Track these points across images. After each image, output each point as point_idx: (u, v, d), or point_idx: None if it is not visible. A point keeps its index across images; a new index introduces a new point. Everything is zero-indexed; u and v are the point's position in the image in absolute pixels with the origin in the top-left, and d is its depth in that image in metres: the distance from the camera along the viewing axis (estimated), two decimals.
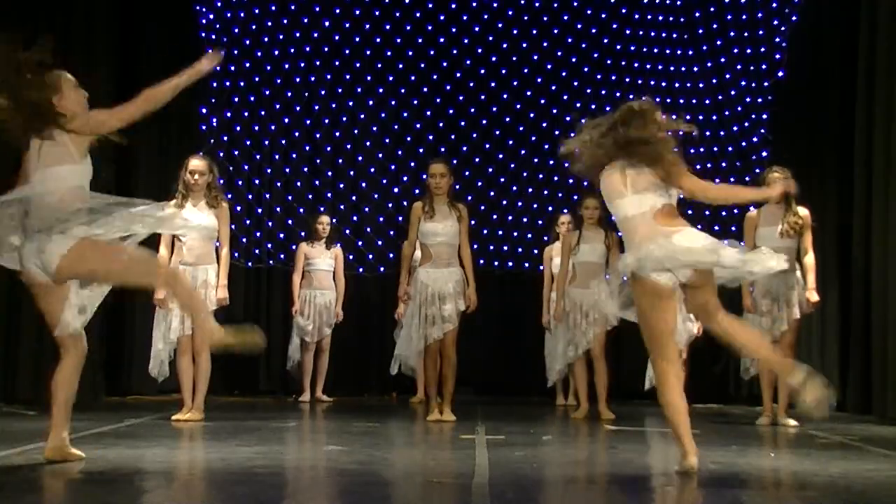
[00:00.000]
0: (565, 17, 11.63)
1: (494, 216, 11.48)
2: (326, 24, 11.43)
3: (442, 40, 11.62)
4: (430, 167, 8.22)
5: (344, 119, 11.51)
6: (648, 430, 7.92)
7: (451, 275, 8.01)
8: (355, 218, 11.38)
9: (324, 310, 10.22)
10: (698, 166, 11.31)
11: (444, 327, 7.97)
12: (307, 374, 10.27)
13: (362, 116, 11.48)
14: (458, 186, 11.29)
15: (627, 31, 11.56)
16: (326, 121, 11.48)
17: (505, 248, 11.46)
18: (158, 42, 10.58)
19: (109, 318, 9.69)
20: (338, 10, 11.47)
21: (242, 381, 11.01)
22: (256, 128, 11.29)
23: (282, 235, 11.26)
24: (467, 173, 11.43)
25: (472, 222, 11.41)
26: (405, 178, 11.49)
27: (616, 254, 8.39)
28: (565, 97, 11.55)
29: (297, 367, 10.30)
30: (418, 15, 11.61)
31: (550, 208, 11.30)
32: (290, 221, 11.24)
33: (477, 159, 11.51)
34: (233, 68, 11.14)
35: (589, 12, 11.62)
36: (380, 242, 10.99)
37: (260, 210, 11.26)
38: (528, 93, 11.59)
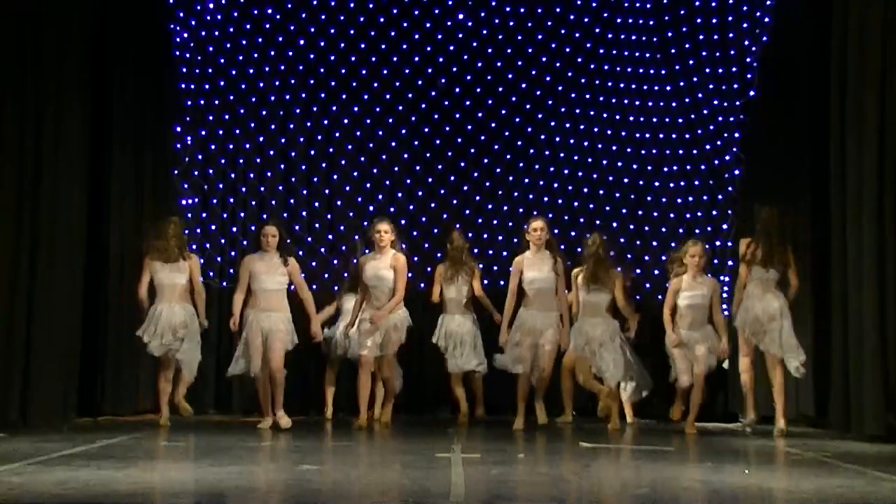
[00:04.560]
0: (539, 36, 11.66)
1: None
2: (301, 42, 11.42)
3: (416, 59, 11.58)
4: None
5: (319, 137, 11.48)
6: (623, 448, 7.93)
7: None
8: (330, 237, 11.35)
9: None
10: (671, 185, 11.39)
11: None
12: (265, 396, 9.27)
13: (337, 135, 11.46)
14: (442, 191, 11.40)
15: (601, 51, 11.61)
16: (301, 139, 11.45)
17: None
18: (134, 61, 10.54)
19: (84, 336, 9.63)
20: (313, 29, 11.46)
21: (216, 400, 10.95)
22: (231, 146, 11.25)
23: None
24: (442, 191, 11.49)
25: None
26: (380, 197, 11.46)
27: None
28: (539, 116, 11.55)
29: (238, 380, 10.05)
30: (393, 34, 11.59)
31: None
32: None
33: (452, 177, 11.54)
34: (207, 86, 11.10)
35: (563, 31, 11.65)
36: (355, 261, 10.94)
37: (234, 229, 11.21)
38: (503, 111, 11.57)
